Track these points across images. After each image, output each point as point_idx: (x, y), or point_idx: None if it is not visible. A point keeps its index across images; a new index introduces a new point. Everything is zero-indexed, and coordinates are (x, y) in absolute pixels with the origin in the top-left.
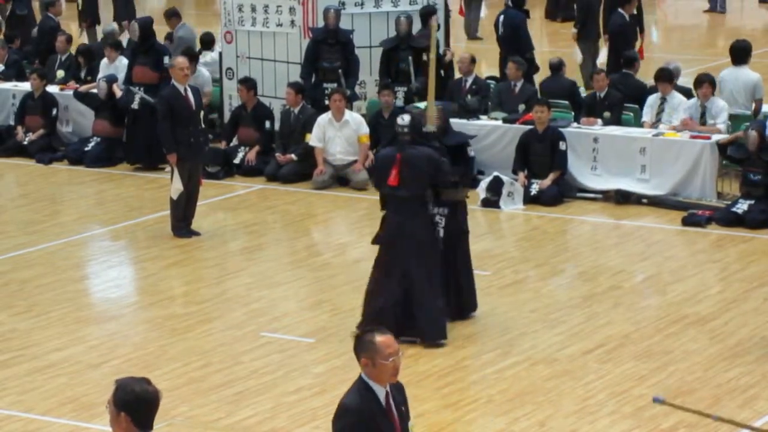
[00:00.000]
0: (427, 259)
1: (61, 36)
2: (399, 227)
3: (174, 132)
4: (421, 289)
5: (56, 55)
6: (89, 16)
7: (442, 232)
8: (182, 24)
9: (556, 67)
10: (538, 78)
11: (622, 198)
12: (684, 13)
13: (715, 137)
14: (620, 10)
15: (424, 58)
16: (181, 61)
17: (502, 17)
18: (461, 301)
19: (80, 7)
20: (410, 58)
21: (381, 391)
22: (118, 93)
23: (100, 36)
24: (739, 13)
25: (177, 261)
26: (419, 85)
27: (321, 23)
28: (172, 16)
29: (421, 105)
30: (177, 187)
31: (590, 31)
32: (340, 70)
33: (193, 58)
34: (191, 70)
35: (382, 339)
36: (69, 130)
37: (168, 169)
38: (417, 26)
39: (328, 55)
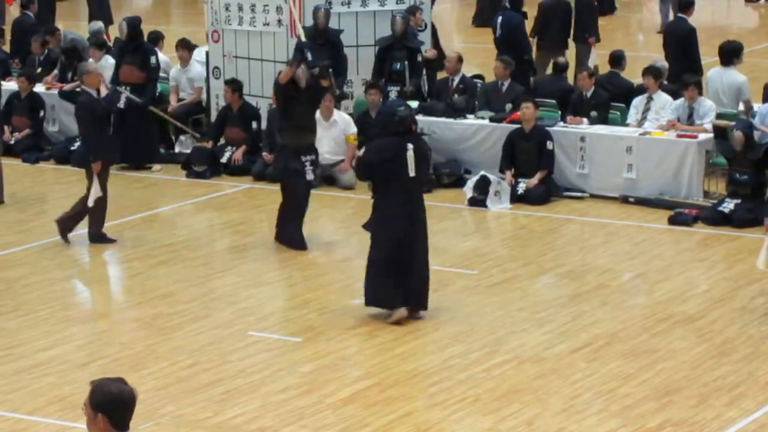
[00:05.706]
0: None
1: (35, 40)
2: None
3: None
4: None
5: (34, 56)
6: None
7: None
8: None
9: (562, 69)
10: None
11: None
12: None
13: (702, 136)
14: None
15: (419, 59)
16: (96, 67)
17: (500, 18)
18: None
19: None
20: (406, 61)
21: None
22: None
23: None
24: (726, 12)
25: (164, 260)
26: (413, 87)
27: (308, 22)
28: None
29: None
30: (98, 193)
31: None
32: (330, 69)
33: (187, 47)
34: (185, 61)
35: None
36: (56, 130)
37: (155, 168)
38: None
39: (318, 55)
